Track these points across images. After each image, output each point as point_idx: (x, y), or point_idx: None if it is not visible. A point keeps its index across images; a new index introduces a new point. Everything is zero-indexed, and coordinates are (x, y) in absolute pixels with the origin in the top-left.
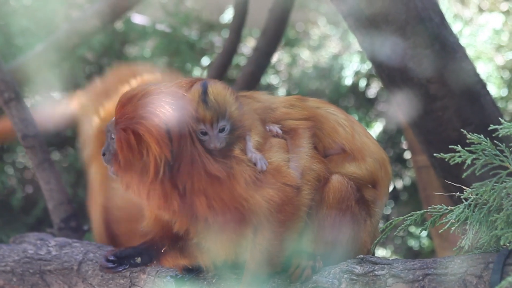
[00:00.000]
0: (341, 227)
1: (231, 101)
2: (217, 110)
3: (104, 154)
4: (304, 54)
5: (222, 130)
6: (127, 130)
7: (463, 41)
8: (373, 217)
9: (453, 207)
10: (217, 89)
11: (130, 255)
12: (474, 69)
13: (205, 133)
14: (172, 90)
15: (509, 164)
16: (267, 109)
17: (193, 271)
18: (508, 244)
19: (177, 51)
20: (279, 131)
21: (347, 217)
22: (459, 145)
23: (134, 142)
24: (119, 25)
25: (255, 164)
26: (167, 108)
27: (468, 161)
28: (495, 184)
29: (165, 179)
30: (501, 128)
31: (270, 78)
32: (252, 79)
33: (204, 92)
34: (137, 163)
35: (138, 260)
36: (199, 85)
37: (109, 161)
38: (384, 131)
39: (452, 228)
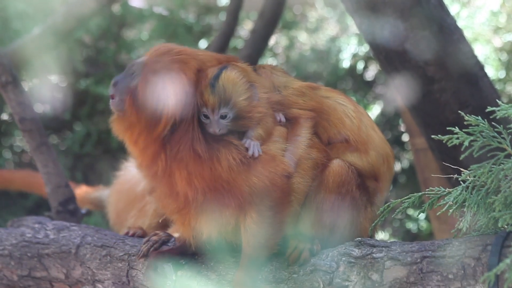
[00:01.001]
0: (340, 211)
1: (241, 90)
2: (221, 97)
3: (116, 84)
4: (302, 37)
5: (224, 117)
6: (158, 76)
7: (460, 23)
8: (374, 206)
9: (451, 190)
10: (230, 75)
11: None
12: (471, 51)
13: (207, 117)
14: (202, 62)
15: (507, 146)
16: (279, 97)
17: (190, 254)
18: (506, 226)
19: (175, 34)
20: (283, 119)
21: (346, 201)
22: (456, 127)
23: (158, 90)
24: (116, 8)
25: (247, 149)
26: (190, 77)
27: (466, 143)
28: (492, 166)
29: (161, 138)
30: (498, 110)
31: (268, 61)
32: (250, 62)
33: (216, 76)
34: (150, 110)
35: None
36: (218, 68)
37: (122, 93)
38: (382, 114)
39: (450, 211)
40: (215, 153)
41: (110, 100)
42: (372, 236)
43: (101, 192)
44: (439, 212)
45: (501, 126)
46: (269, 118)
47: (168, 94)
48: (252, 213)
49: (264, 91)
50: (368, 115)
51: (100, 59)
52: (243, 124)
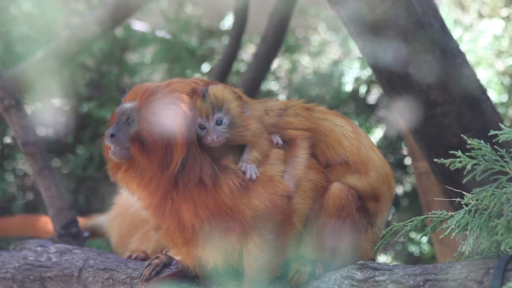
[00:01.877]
0: (341, 234)
1: (231, 98)
2: (213, 103)
3: (113, 135)
4: (304, 60)
5: (219, 124)
6: (159, 115)
7: (463, 47)
8: (374, 227)
9: (453, 213)
10: (219, 87)
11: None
12: (474, 74)
13: (203, 127)
14: (191, 85)
15: (509, 169)
16: (274, 124)
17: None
18: (508, 250)
19: (177, 58)
20: (280, 142)
21: (347, 224)
22: (459, 151)
23: (164, 128)
24: (119, 31)
25: (244, 173)
26: (188, 101)
27: (468, 167)
28: (495, 189)
29: (173, 175)
30: (501, 134)
31: (270, 85)
32: (252, 86)
33: (205, 90)
34: (161, 150)
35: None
36: (204, 86)
37: (123, 142)
38: (385, 137)
39: (453, 234)
40: (215, 180)
41: (110, 151)
42: (374, 259)
43: (96, 220)
44: (442, 236)
45: (504, 149)
46: (264, 141)
47: (175, 128)
48: (254, 236)
49: (257, 112)
50: (367, 136)
51: (103, 83)
52: (240, 134)
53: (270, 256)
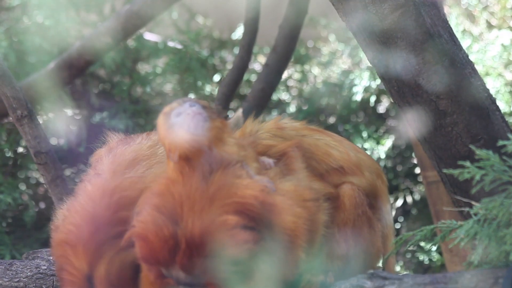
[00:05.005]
0: (361, 233)
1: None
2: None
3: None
4: (315, 71)
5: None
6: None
7: (472, 57)
8: (381, 221)
9: (462, 222)
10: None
11: None
12: (483, 85)
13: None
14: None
15: None
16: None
17: None
18: None
19: (189, 68)
20: (271, 163)
21: (364, 222)
22: (468, 161)
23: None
24: (131, 42)
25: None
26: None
27: (477, 177)
28: (504, 199)
29: None
30: (509, 144)
31: (281, 95)
32: (263, 96)
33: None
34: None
35: None
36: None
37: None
38: (394, 147)
39: (462, 243)
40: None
41: None
42: (383, 268)
43: None
44: (451, 245)
45: None
46: (249, 149)
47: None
48: (291, 249)
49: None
50: (346, 140)
51: (115, 93)
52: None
53: (293, 266)
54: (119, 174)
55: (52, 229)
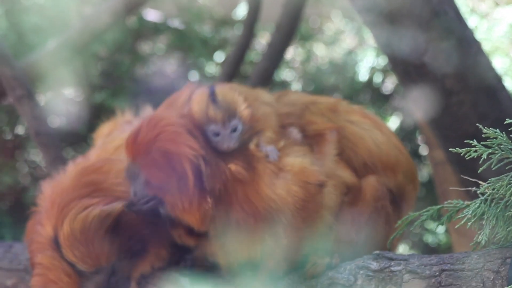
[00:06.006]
0: (376, 226)
1: (240, 101)
2: (227, 109)
3: (135, 194)
4: (319, 50)
5: (234, 130)
6: (160, 153)
7: (479, 36)
8: (401, 213)
9: (469, 202)
10: (224, 89)
11: None
12: (490, 63)
13: (217, 134)
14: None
15: None
16: (292, 114)
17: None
18: None
19: (190, 47)
20: (297, 136)
21: (381, 216)
22: (475, 140)
23: (171, 159)
24: (131, 21)
25: (267, 157)
26: (183, 121)
27: (484, 156)
28: (511, 179)
29: (201, 185)
30: None
31: (284, 74)
32: (266, 75)
33: (212, 93)
34: (176, 177)
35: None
36: (205, 89)
37: (148, 201)
38: (400, 127)
39: (469, 224)
40: (253, 173)
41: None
42: (391, 250)
43: None
44: (458, 225)
45: None
46: (272, 122)
47: (180, 152)
48: (286, 227)
49: (265, 100)
50: (393, 134)
51: (116, 73)
52: (249, 135)
53: (295, 247)
54: (102, 158)
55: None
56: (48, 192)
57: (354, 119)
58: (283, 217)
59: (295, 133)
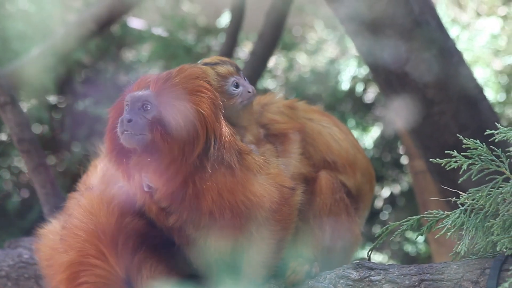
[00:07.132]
0: (337, 216)
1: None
2: (230, 63)
3: (130, 120)
4: (301, 59)
5: (245, 78)
6: (184, 101)
7: (460, 46)
8: (358, 212)
9: (449, 212)
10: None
11: None
12: (471, 73)
13: (236, 85)
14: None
15: (505, 169)
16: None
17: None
18: (504, 250)
19: (174, 55)
20: (261, 135)
21: (341, 208)
22: (455, 150)
23: (186, 111)
24: (115, 29)
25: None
26: (209, 84)
27: (464, 167)
28: (491, 189)
29: (195, 159)
30: (497, 133)
31: (267, 82)
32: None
33: (209, 61)
34: (184, 135)
35: None
36: (200, 64)
37: (141, 129)
38: (381, 136)
39: (448, 234)
40: (243, 162)
41: (123, 137)
42: (369, 259)
43: None
44: (438, 235)
45: (500, 149)
46: (254, 123)
47: (202, 109)
48: (262, 230)
49: None
50: (352, 134)
51: (99, 80)
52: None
53: (272, 251)
54: (113, 184)
55: (42, 251)
56: (81, 235)
57: (312, 117)
58: (259, 216)
59: (260, 132)
